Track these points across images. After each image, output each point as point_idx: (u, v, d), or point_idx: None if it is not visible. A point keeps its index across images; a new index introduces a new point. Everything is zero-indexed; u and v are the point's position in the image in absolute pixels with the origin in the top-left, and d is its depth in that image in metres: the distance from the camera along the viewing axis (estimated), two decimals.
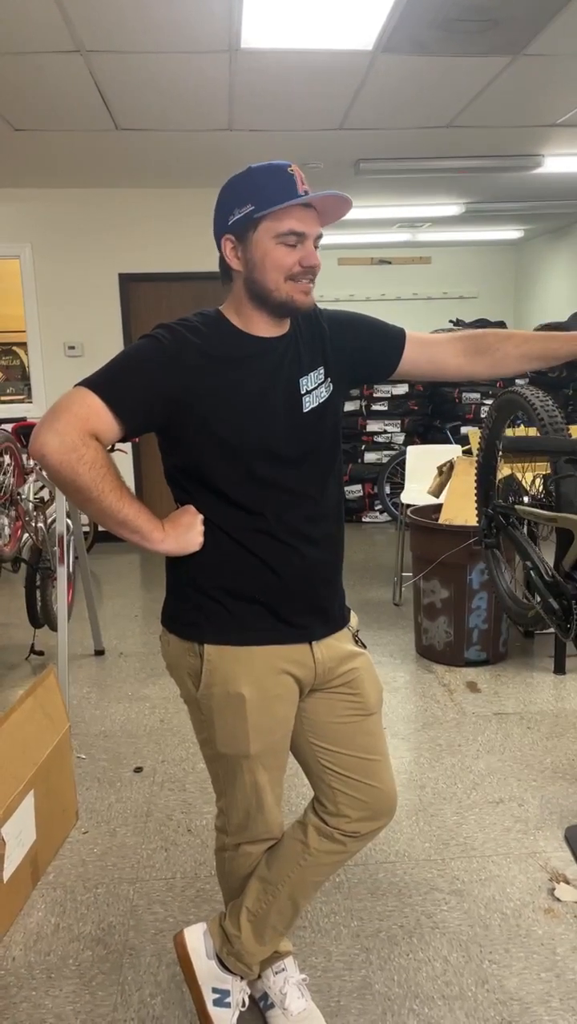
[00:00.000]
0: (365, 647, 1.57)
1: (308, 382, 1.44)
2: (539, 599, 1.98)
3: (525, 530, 2.13)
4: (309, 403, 1.43)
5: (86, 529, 4.90)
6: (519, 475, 2.36)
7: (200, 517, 1.42)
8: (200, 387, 1.36)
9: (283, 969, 1.72)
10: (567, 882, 2.14)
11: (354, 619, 1.58)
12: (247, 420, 1.38)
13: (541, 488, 2.17)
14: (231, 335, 1.41)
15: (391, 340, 1.53)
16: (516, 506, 2.11)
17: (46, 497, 4.01)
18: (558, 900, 2.07)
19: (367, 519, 6.90)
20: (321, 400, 1.44)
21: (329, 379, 1.46)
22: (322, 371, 1.46)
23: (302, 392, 1.43)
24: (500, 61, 3.46)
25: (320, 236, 1.40)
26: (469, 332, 1.58)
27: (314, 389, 1.44)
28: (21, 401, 7.49)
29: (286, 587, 1.44)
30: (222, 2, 2.84)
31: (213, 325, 1.42)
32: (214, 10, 2.92)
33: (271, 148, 4.65)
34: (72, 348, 6.02)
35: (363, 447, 6.92)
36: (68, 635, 3.38)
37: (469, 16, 2.95)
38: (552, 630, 2.66)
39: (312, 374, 1.45)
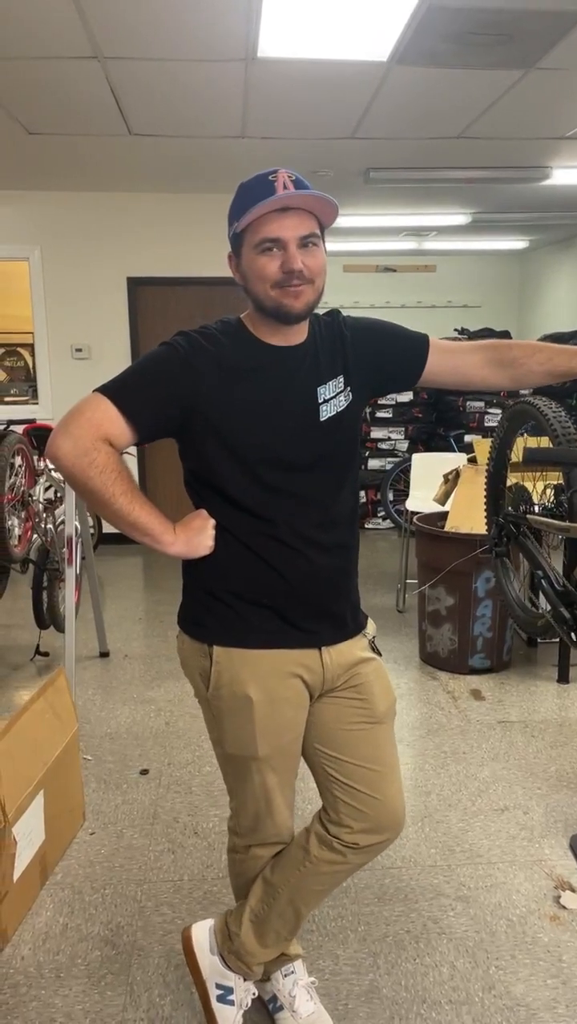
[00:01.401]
0: (380, 654, 1.58)
1: (326, 391, 1.45)
2: (549, 608, 2.00)
3: (537, 539, 2.15)
4: (326, 412, 1.44)
5: (91, 530, 4.90)
6: (529, 485, 2.38)
7: (211, 521, 1.44)
8: (212, 395, 1.38)
9: (292, 972, 1.73)
10: (572, 890, 2.15)
11: (371, 626, 1.59)
12: (258, 428, 1.40)
13: (552, 498, 2.19)
14: (248, 344, 1.43)
15: (415, 348, 1.54)
16: (528, 515, 2.13)
17: (53, 498, 4.02)
18: (563, 908, 2.09)
19: (370, 525, 6.92)
20: (339, 409, 1.46)
21: (348, 388, 1.47)
22: (341, 380, 1.47)
23: (319, 401, 1.44)
24: (513, 74, 3.49)
25: (311, 236, 1.36)
26: (494, 342, 1.59)
27: (332, 398, 1.45)
28: (25, 402, 7.51)
29: (294, 592, 1.45)
30: (240, 12, 2.87)
31: (232, 333, 1.44)
32: (232, 20, 2.95)
33: (283, 155, 4.68)
34: (79, 350, 6.04)
35: (367, 454, 6.95)
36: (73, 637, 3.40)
37: (485, 30, 2.98)
38: (559, 639, 2.67)
39: (331, 383, 1.46)
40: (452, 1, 2.77)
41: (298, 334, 1.45)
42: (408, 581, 4.47)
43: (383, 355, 1.52)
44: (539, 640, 3.93)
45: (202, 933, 1.71)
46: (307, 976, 1.75)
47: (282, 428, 1.41)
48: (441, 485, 4.12)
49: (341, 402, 1.46)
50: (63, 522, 3.69)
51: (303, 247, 1.36)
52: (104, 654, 3.93)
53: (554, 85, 3.64)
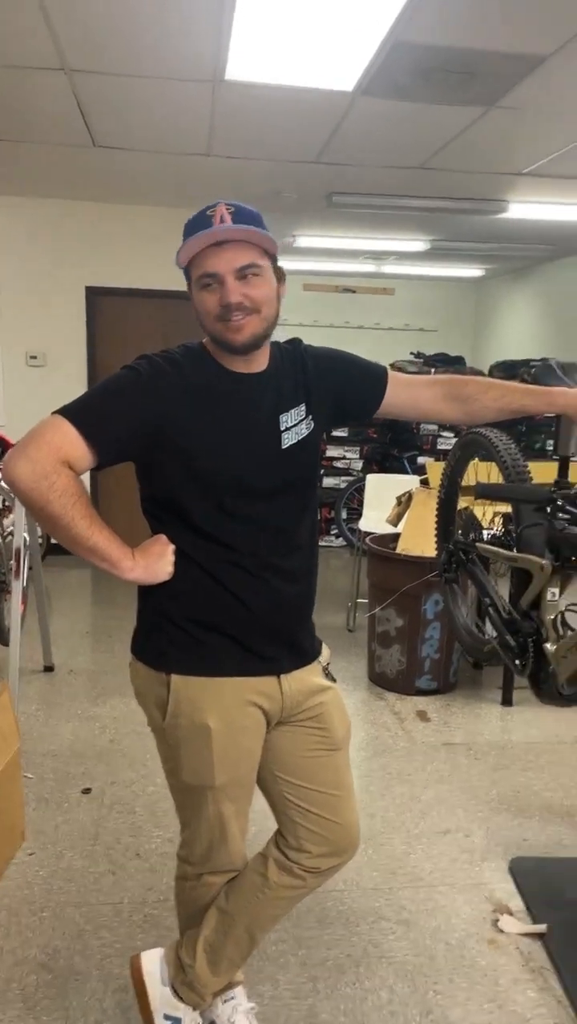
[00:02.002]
0: (335, 681, 1.59)
1: (288, 419, 1.47)
2: (495, 634, 2.04)
3: (485, 565, 2.20)
4: (288, 439, 1.46)
5: (39, 540, 4.83)
6: (479, 511, 2.44)
7: (171, 547, 1.43)
8: (175, 420, 1.38)
9: (232, 998, 1.72)
10: (510, 913, 2.19)
11: (326, 652, 1.61)
12: (221, 454, 1.40)
13: (501, 527, 2.24)
14: (210, 370, 1.44)
15: (374, 380, 1.57)
16: (477, 544, 2.17)
17: (1, 507, 3.95)
18: (501, 932, 2.12)
19: (322, 543, 6.95)
20: (301, 436, 1.47)
21: (310, 416, 1.49)
22: (303, 408, 1.49)
23: (282, 428, 1.46)
24: (474, 111, 3.59)
25: (250, 266, 1.35)
26: (450, 377, 1.63)
27: (294, 426, 1.47)
28: None
29: (256, 619, 1.45)
30: (210, 35, 2.90)
31: (194, 359, 1.45)
32: (201, 41, 2.97)
33: (247, 175, 4.73)
34: (34, 358, 5.96)
35: (321, 472, 7.00)
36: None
37: (450, 67, 3.06)
38: (501, 663, 2.71)
39: (293, 411, 1.48)
40: (417, 38, 2.84)
41: (259, 361, 1.46)
42: (359, 601, 4.50)
43: (343, 386, 1.55)
44: (483, 664, 4.00)
45: (152, 963, 1.69)
46: (247, 1002, 1.74)
47: (244, 454, 1.42)
48: (394, 507, 4.17)
49: (303, 430, 1.48)
50: (11, 533, 3.62)
51: (242, 278, 1.36)
52: (48, 668, 3.86)
53: (513, 123, 3.75)
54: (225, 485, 1.41)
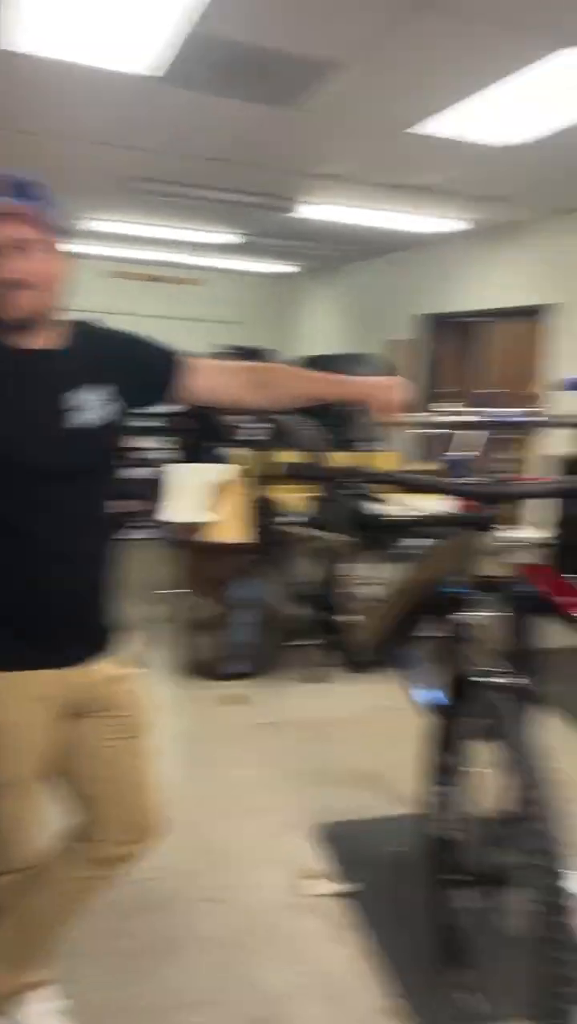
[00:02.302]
0: (137, 668, 1.58)
1: (75, 398, 1.42)
2: (304, 611, 2.14)
3: (292, 547, 2.28)
4: (74, 419, 1.41)
5: None
6: (285, 496, 2.53)
7: None
8: None
9: (40, 999, 1.66)
10: (316, 877, 2.29)
11: (131, 640, 1.58)
12: None
13: (312, 509, 2.34)
14: None
15: (173, 364, 1.56)
16: (285, 525, 2.25)
17: None
18: (312, 896, 2.22)
19: (133, 536, 6.84)
20: (90, 417, 1.43)
21: (102, 397, 1.45)
22: (95, 388, 1.44)
23: (67, 408, 1.41)
24: (268, 109, 3.68)
25: (27, 240, 1.32)
26: (256, 365, 1.68)
27: (82, 406, 1.42)
28: None
29: (42, 609, 1.41)
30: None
31: None
32: None
33: (40, 152, 4.53)
34: None
35: (126, 462, 6.89)
36: None
37: (239, 64, 3.13)
38: (311, 641, 2.84)
39: (81, 390, 1.43)
40: (210, 31, 2.86)
41: (44, 338, 1.41)
42: (170, 591, 4.49)
43: (144, 369, 1.53)
44: (294, 643, 4.13)
45: None
46: (56, 1001, 1.68)
47: (24, 433, 1.36)
48: (206, 496, 4.19)
49: (94, 411, 1.44)
50: None
51: (20, 253, 1.32)
52: None
53: (304, 125, 3.88)
54: (5, 465, 1.34)
